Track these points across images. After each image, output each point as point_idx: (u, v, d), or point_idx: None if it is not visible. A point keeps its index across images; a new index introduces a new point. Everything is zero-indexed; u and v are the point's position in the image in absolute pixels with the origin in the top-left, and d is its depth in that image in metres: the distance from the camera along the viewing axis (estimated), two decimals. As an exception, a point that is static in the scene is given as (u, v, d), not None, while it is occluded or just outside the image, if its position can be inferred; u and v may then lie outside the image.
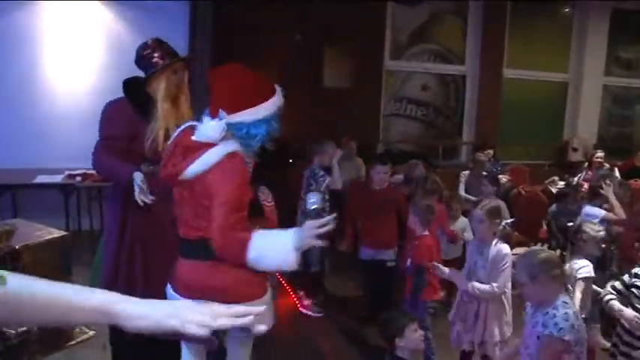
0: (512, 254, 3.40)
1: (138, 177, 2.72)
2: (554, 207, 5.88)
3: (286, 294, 4.91)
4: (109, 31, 6.43)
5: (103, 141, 2.89)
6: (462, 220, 4.91)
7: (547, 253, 2.59)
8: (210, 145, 2.24)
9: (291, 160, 7.48)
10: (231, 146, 2.26)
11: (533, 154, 9.52)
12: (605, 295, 3.11)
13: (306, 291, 4.90)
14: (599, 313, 3.58)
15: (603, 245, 3.46)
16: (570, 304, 2.44)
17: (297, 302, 4.82)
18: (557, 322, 2.36)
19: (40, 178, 5.79)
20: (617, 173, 6.99)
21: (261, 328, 2.39)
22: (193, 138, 2.28)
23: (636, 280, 3.09)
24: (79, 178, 5.91)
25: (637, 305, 3.03)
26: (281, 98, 2.37)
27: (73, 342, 3.84)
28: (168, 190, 2.49)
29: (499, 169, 7.45)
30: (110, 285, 2.94)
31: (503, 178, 7.19)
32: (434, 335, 3.83)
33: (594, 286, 3.37)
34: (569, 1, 9.54)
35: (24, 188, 5.82)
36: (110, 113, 2.92)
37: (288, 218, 5.34)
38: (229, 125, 2.23)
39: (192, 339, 1.10)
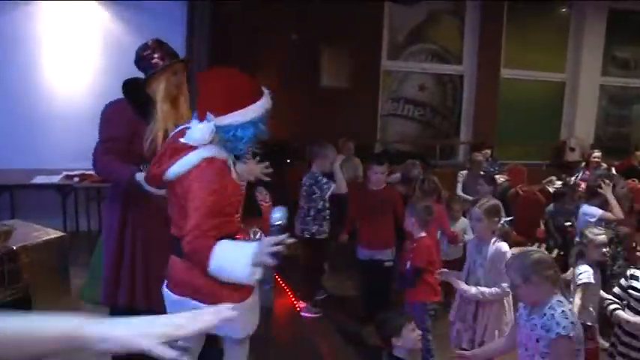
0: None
1: (140, 176, 2.72)
2: (551, 207, 5.89)
3: (284, 294, 4.90)
4: (106, 32, 6.43)
5: (103, 142, 2.88)
6: (463, 221, 4.91)
7: (539, 254, 2.58)
8: (193, 148, 2.25)
9: (288, 160, 7.49)
10: (211, 151, 2.25)
11: (530, 154, 9.54)
12: (609, 305, 3.11)
13: (304, 292, 4.91)
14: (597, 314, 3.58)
15: (606, 249, 3.42)
16: (565, 303, 2.44)
17: (295, 302, 4.82)
18: (559, 322, 2.35)
19: (38, 179, 5.78)
20: (614, 173, 6.99)
21: (238, 332, 2.42)
22: (182, 140, 2.29)
23: (633, 281, 3.09)
24: (76, 179, 5.91)
25: (635, 307, 3.03)
26: (269, 100, 2.33)
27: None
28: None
29: (497, 169, 7.46)
30: (112, 285, 2.94)
31: (501, 178, 7.20)
32: (434, 336, 3.84)
33: (602, 293, 3.34)
34: (566, 1, 9.55)
35: (22, 189, 5.82)
36: (110, 114, 2.92)
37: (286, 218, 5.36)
38: (218, 128, 2.23)
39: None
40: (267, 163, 2.99)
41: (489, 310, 3.26)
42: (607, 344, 3.72)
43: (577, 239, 4.70)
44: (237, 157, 2.48)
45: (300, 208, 4.79)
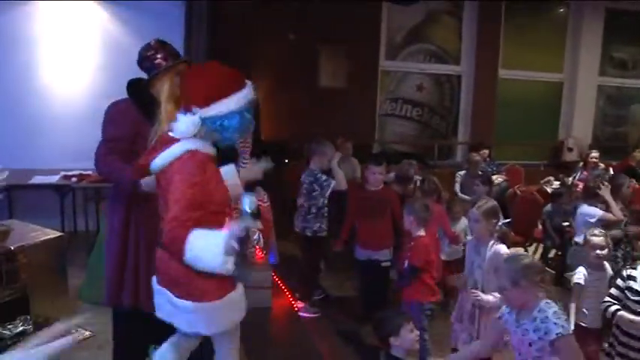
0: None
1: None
2: (549, 207, 5.90)
3: (282, 294, 4.91)
4: (104, 32, 6.42)
5: (106, 142, 2.87)
6: (464, 222, 4.91)
7: (529, 259, 2.61)
8: (178, 141, 2.30)
9: (287, 160, 7.49)
10: (194, 144, 2.29)
11: (528, 154, 9.56)
12: (609, 306, 3.10)
13: (303, 291, 4.91)
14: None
15: (602, 252, 3.42)
16: (552, 304, 2.46)
17: (293, 303, 4.82)
18: (556, 322, 2.37)
19: (36, 179, 5.77)
20: (612, 173, 7.01)
21: (215, 329, 2.40)
22: (170, 133, 2.33)
23: (630, 282, 3.09)
24: (74, 179, 5.90)
25: (632, 307, 3.03)
26: (252, 91, 2.38)
27: (69, 343, 3.83)
28: None
29: (494, 169, 7.47)
30: (115, 286, 2.92)
31: (499, 178, 7.21)
32: (432, 336, 3.85)
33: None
34: (563, 1, 9.57)
35: (20, 189, 5.80)
36: (113, 114, 2.91)
37: (284, 218, 5.37)
38: (204, 120, 2.27)
39: None
40: (268, 160, 2.96)
41: (487, 311, 3.26)
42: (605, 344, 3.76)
43: (575, 239, 4.73)
44: (234, 161, 2.47)
45: (300, 206, 4.80)
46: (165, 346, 2.57)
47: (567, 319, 2.43)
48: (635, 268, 3.16)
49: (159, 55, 2.83)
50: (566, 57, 9.74)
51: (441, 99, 9.34)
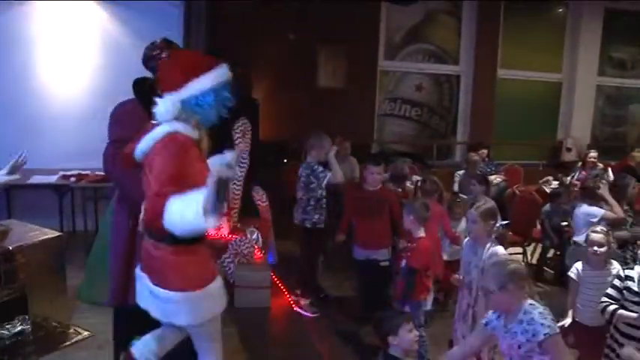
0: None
1: None
2: (547, 207, 5.90)
3: (281, 294, 4.91)
4: (103, 31, 6.42)
5: (113, 143, 2.87)
6: (465, 222, 4.91)
7: (516, 264, 2.65)
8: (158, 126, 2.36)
9: (285, 160, 7.49)
10: (174, 127, 2.33)
11: (527, 154, 9.56)
12: (607, 306, 3.10)
13: (303, 285, 4.92)
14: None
15: (600, 249, 3.42)
16: (537, 304, 2.49)
17: (292, 302, 4.82)
18: (543, 323, 2.40)
19: (35, 179, 5.77)
20: (610, 173, 7.02)
21: (191, 320, 2.41)
22: (153, 121, 2.39)
23: (628, 282, 3.09)
24: (73, 179, 5.90)
25: (630, 308, 3.03)
26: (228, 72, 2.45)
27: (67, 343, 3.83)
28: None
29: (493, 169, 7.48)
30: (121, 287, 2.92)
31: (498, 178, 7.21)
32: (430, 335, 3.85)
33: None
34: (562, 1, 9.57)
35: (18, 188, 5.80)
36: (120, 115, 2.92)
37: (283, 218, 5.38)
38: (182, 103, 2.34)
39: None
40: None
41: (481, 311, 3.26)
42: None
43: (574, 239, 4.74)
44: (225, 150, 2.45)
45: (299, 199, 4.82)
46: (148, 336, 2.59)
47: (553, 319, 2.45)
48: (632, 269, 3.16)
49: (164, 55, 2.83)
50: (565, 57, 9.74)
51: (440, 99, 9.34)
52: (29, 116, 6.12)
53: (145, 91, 2.85)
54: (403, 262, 3.74)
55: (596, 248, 3.38)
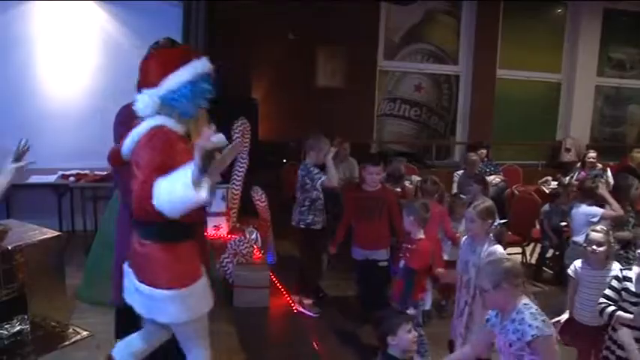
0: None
1: None
2: (547, 207, 5.91)
3: (280, 294, 4.91)
4: (102, 31, 6.41)
5: (118, 144, 2.88)
6: None
7: (511, 263, 2.65)
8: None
9: (284, 160, 7.50)
10: (159, 121, 2.36)
11: (526, 154, 9.56)
12: (606, 308, 3.10)
13: (303, 286, 4.91)
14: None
15: (599, 248, 3.42)
16: (531, 304, 2.49)
17: (291, 302, 4.82)
18: (531, 324, 2.41)
19: (34, 178, 5.77)
20: (609, 173, 7.03)
21: (174, 318, 2.42)
22: (138, 118, 2.43)
23: (626, 282, 3.09)
24: (72, 179, 5.90)
25: (627, 308, 3.03)
26: (206, 64, 2.46)
27: (66, 343, 3.83)
28: None
29: (492, 169, 7.48)
30: None
31: (497, 178, 7.22)
32: (430, 335, 3.86)
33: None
34: (561, 1, 9.58)
35: (17, 188, 5.79)
36: (125, 117, 2.92)
37: (281, 218, 5.37)
38: (160, 98, 2.36)
39: None
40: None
41: (481, 308, 3.26)
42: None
43: (573, 239, 4.74)
44: None
45: (297, 200, 4.80)
46: (130, 338, 2.60)
47: (545, 320, 2.44)
48: (630, 269, 3.16)
49: None
50: (564, 57, 9.75)
51: (439, 99, 9.34)
52: (28, 116, 6.11)
53: None
54: (402, 263, 3.74)
55: (595, 247, 3.38)
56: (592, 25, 9.51)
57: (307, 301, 4.79)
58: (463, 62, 9.21)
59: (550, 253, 6.00)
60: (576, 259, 3.61)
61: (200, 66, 2.43)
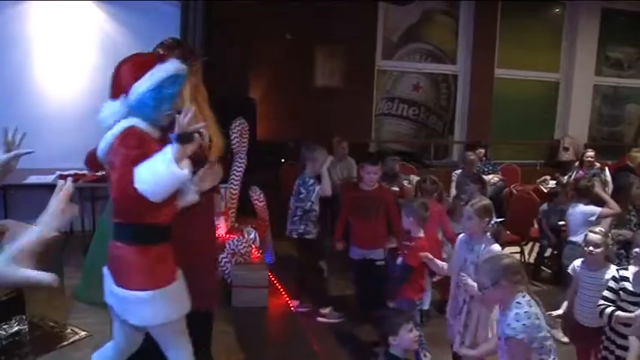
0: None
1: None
2: (545, 206, 5.91)
3: (278, 294, 4.91)
4: (100, 31, 6.40)
5: None
6: None
7: (510, 259, 2.67)
8: None
9: (283, 160, 7.50)
10: (131, 122, 2.35)
11: (524, 154, 9.57)
12: (604, 309, 3.10)
13: (298, 292, 4.90)
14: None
15: (596, 249, 3.42)
16: (523, 304, 2.49)
17: (289, 302, 4.83)
18: (509, 323, 2.45)
19: (32, 179, 5.76)
20: (607, 172, 7.03)
21: (149, 321, 2.42)
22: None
23: (624, 282, 3.09)
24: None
25: (626, 308, 3.03)
26: (174, 66, 2.42)
27: (65, 343, 3.83)
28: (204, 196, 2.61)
29: (491, 168, 7.49)
30: None
31: (495, 178, 7.23)
32: (428, 335, 3.86)
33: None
34: (559, 1, 9.59)
35: (15, 188, 5.80)
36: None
37: (280, 217, 5.37)
38: (129, 107, 2.36)
39: None
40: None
41: (480, 311, 3.27)
42: (565, 339, 3.85)
43: (570, 238, 4.74)
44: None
45: (289, 208, 4.79)
46: (105, 346, 2.64)
47: (525, 324, 2.44)
48: (626, 269, 3.16)
49: (176, 56, 2.82)
50: (562, 56, 9.76)
51: (438, 98, 9.35)
52: (26, 116, 6.09)
53: None
54: (399, 260, 3.75)
55: (591, 248, 3.39)
56: (590, 25, 9.52)
57: (324, 310, 4.76)
58: (461, 62, 9.21)
59: (548, 252, 6.01)
60: (574, 259, 3.62)
61: (165, 69, 2.39)
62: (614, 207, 4.60)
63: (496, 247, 3.30)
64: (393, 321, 2.90)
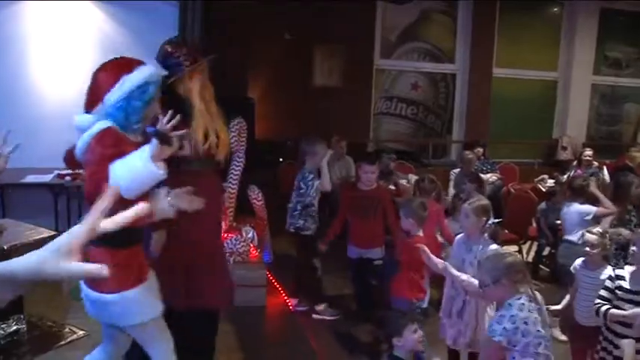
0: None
1: None
2: (543, 205, 5.92)
3: (277, 293, 4.91)
4: (98, 31, 6.39)
5: None
6: None
7: (512, 258, 2.66)
8: None
9: (281, 159, 7.50)
10: (107, 123, 2.37)
11: (522, 153, 9.58)
12: (600, 307, 3.10)
13: (296, 289, 4.91)
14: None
15: (593, 250, 3.42)
16: (513, 307, 2.48)
17: (288, 301, 4.83)
18: (491, 324, 2.48)
19: (30, 178, 5.75)
20: (605, 172, 7.04)
21: (128, 320, 2.43)
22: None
23: (620, 281, 3.10)
24: (68, 178, 5.88)
25: (621, 307, 3.03)
26: (138, 76, 2.38)
27: (63, 342, 3.83)
28: (211, 194, 2.62)
29: (489, 167, 7.49)
30: None
31: (494, 177, 7.23)
32: (426, 335, 3.85)
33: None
34: (557, 0, 9.59)
35: (13, 187, 5.79)
36: None
37: (278, 217, 5.37)
38: (105, 115, 2.38)
39: None
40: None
41: (475, 306, 3.27)
42: (563, 337, 3.87)
43: (566, 237, 4.75)
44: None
45: (289, 202, 4.79)
46: (96, 349, 2.65)
47: (507, 327, 2.44)
48: (622, 268, 3.17)
49: (184, 54, 2.83)
50: (560, 56, 9.77)
51: (436, 97, 9.36)
52: (24, 116, 6.09)
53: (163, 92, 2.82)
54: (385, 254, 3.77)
55: (588, 249, 3.40)
56: (588, 24, 9.53)
57: (320, 307, 4.76)
58: (459, 61, 9.23)
59: (546, 251, 6.02)
60: (569, 258, 3.63)
61: (134, 78, 2.37)
62: (609, 206, 4.60)
63: (494, 247, 3.31)
64: (397, 322, 2.90)
